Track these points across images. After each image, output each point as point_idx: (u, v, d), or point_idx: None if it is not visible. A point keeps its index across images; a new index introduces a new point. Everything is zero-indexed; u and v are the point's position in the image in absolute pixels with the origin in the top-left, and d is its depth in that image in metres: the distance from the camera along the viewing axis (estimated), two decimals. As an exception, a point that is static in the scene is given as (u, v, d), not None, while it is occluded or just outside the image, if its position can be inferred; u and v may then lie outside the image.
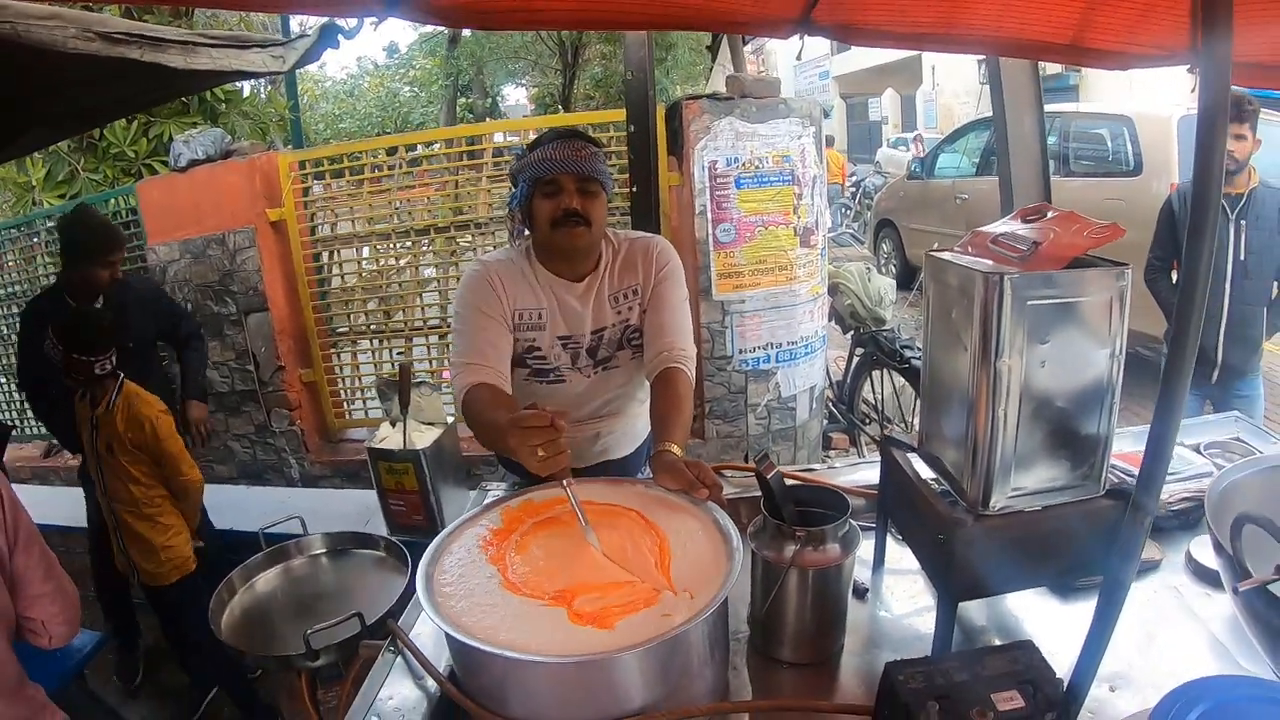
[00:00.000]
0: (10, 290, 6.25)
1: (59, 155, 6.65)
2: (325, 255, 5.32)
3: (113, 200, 5.65)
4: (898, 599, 1.76)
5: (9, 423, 5.99)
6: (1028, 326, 1.27)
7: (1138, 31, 1.81)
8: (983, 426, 1.32)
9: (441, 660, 1.50)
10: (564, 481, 1.59)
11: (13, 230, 6.17)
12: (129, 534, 3.32)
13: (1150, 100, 7.66)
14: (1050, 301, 1.28)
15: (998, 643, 1.59)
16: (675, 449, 1.81)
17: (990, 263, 1.36)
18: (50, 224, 5.94)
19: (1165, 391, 1.01)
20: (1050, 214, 1.45)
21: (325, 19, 2.86)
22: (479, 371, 2.02)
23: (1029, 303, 1.26)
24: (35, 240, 6.08)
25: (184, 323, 4.18)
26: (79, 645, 3.17)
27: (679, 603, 1.34)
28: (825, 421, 5.52)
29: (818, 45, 31.90)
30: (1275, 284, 3.99)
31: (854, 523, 1.55)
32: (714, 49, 14.12)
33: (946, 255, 1.46)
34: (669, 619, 1.28)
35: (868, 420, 5.64)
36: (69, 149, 6.65)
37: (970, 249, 1.47)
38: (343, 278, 5.46)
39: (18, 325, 4.16)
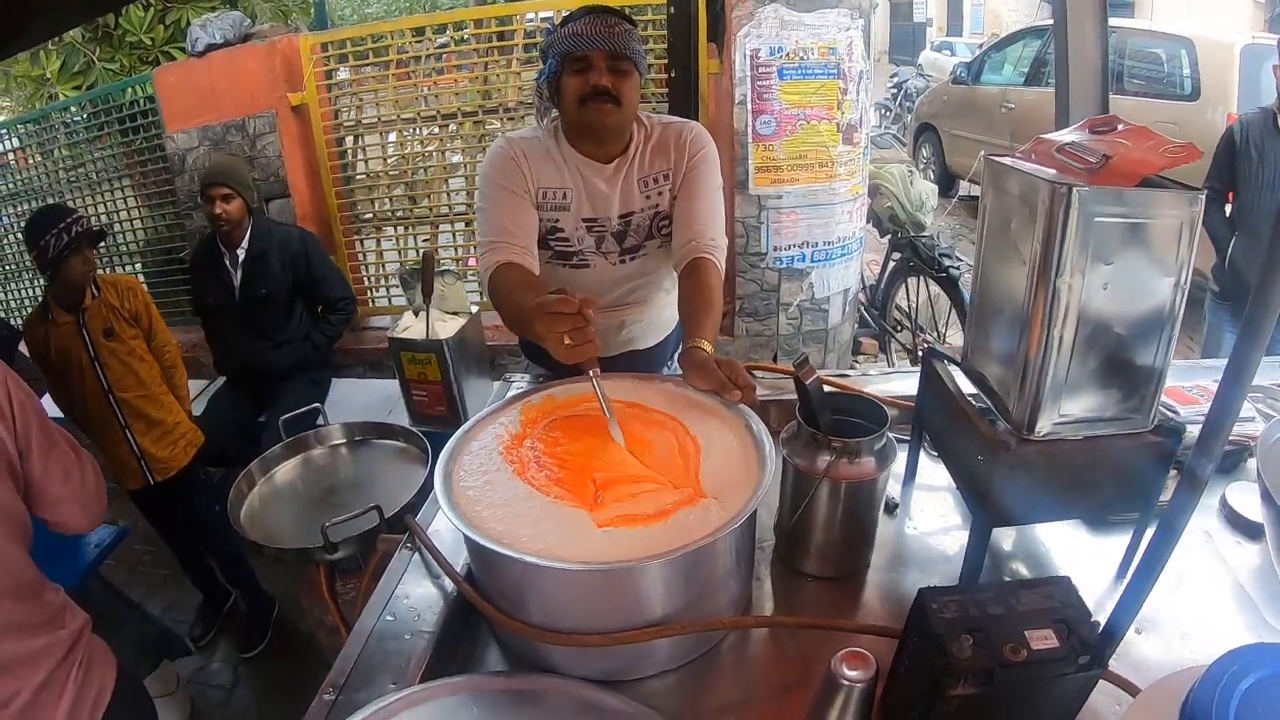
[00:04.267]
0: (30, 185, 6.22)
1: (74, 46, 6.52)
2: (349, 141, 5.23)
3: (130, 89, 5.57)
4: (927, 516, 1.72)
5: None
6: (1093, 245, 1.18)
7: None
8: (1035, 347, 1.25)
9: (459, 559, 1.47)
10: (590, 371, 1.54)
11: (30, 124, 6.13)
12: (143, 423, 3.32)
13: (1212, 23, 7.35)
14: (1119, 220, 1.19)
15: (1025, 572, 1.56)
16: (706, 346, 1.76)
17: (1055, 172, 1.28)
18: (71, 115, 5.88)
19: (1239, 354, 0.92)
20: (1121, 127, 1.35)
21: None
22: (506, 250, 1.96)
23: (1096, 219, 1.17)
24: (54, 134, 6.03)
25: (331, 283, 4.16)
26: (96, 539, 3.23)
27: (707, 509, 1.30)
28: (856, 326, 5.45)
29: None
30: None
31: (891, 436, 1.49)
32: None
33: (1008, 161, 1.37)
34: (695, 527, 1.24)
35: (899, 327, 5.58)
36: (83, 39, 6.53)
37: (1033, 156, 1.38)
38: (367, 164, 5.38)
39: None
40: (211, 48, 4.87)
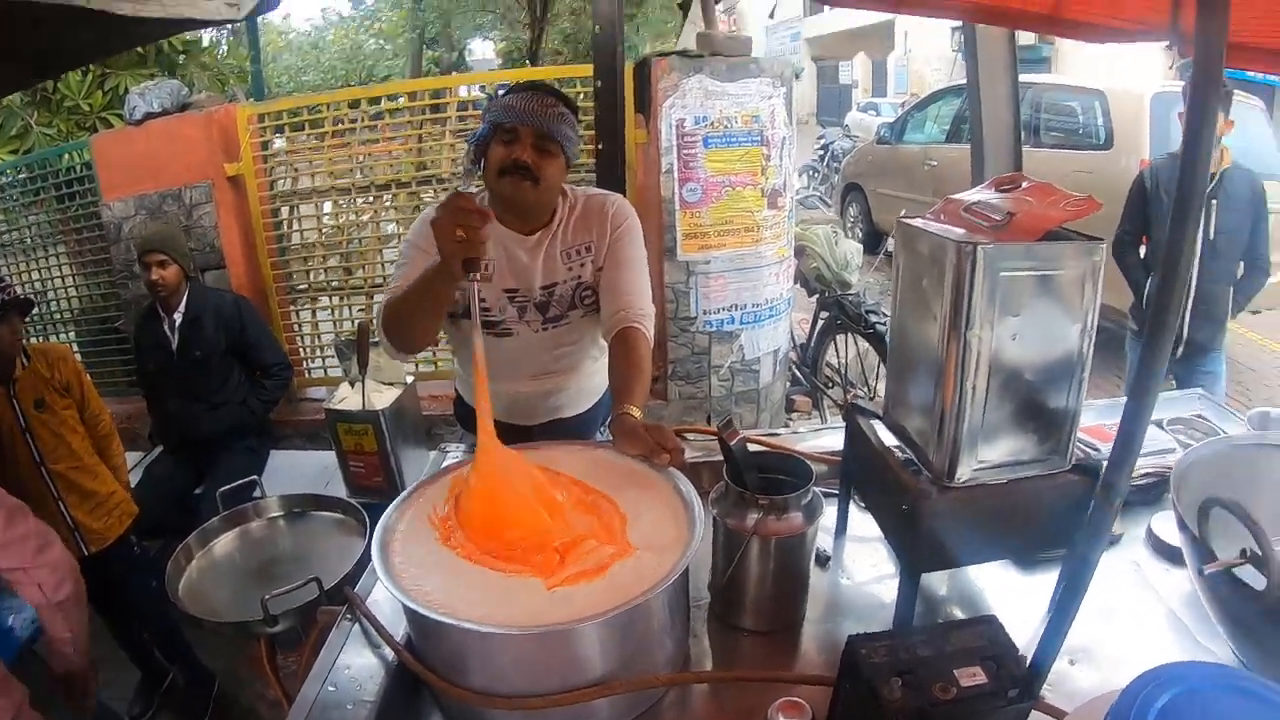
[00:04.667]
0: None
1: (11, 109, 6.45)
2: (285, 211, 5.22)
3: (66, 155, 5.52)
4: (860, 567, 1.76)
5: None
6: (1000, 298, 1.24)
7: (1119, 5, 1.79)
8: (950, 397, 1.30)
9: (399, 628, 1.47)
10: (470, 276, 1.57)
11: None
12: (76, 494, 3.23)
13: (1124, 75, 7.70)
14: (1024, 273, 1.25)
15: (959, 614, 1.60)
16: (635, 412, 1.78)
17: (963, 231, 1.34)
18: (6, 179, 5.81)
19: (1140, 376, 0.99)
20: (1025, 184, 1.43)
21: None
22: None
23: (1002, 274, 1.23)
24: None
25: (265, 349, 4.14)
26: (32, 614, 3.10)
27: (640, 560, 1.32)
28: (788, 384, 5.52)
29: (790, 6, 31.80)
30: (1241, 263, 4.04)
31: (817, 491, 1.53)
32: (685, 6, 13.99)
33: (918, 222, 1.43)
34: (630, 584, 1.26)
35: (831, 384, 5.65)
36: (21, 102, 6.45)
37: (942, 216, 1.44)
38: (302, 234, 5.36)
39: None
40: (149, 116, 4.85)
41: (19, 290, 3.14)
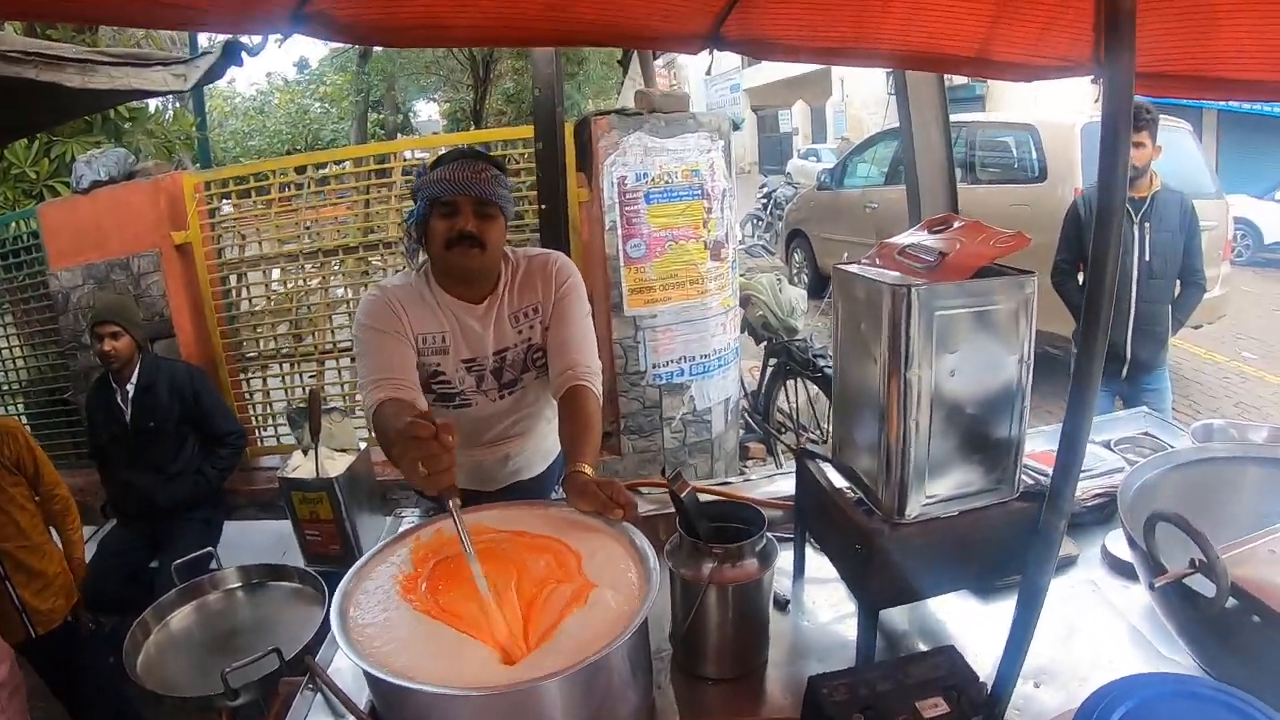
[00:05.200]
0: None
1: (-45, 179, 6.38)
2: (233, 278, 5.18)
3: (13, 224, 5.45)
4: (820, 608, 1.77)
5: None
6: (936, 336, 1.28)
7: (1041, 44, 1.85)
8: (895, 436, 1.33)
9: (363, 695, 1.46)
10: (450, 502, 1.50)
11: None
12: (23, 574, 3.13)
13: (1054, 109, 7.94)
14: (957, 311, 1.29)
15: (922, 647, 1.61)
16: (587, 469, 1.79)
17: (898, 274, 1.38)
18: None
19: (1075, 395, 1.03)
20: (956, 224, 1.47)
21: (228, 35, 2.80)
22: (386, 386, 1.95)
23: (936, 313, 1.27)
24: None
25: (218, 418, 4.09)
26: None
27: (597, 625, 1.32)
28: (742, 432, 5.55)
29: (728, 59, 32.31)
30: (1178, 283, 4.15)
31: (771, 536, 1.55)
32: (625, 64, 14.17)
33: (854, 268, 1.47)
34: (588, 643, 1.26)
35: (783, 429, 5.69)
36: (-35, 172, 6.39)
37: (878, 260, 1.49)
38: (250, 301, 5.32)
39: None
40: (96, 184, 4.81)
41: None
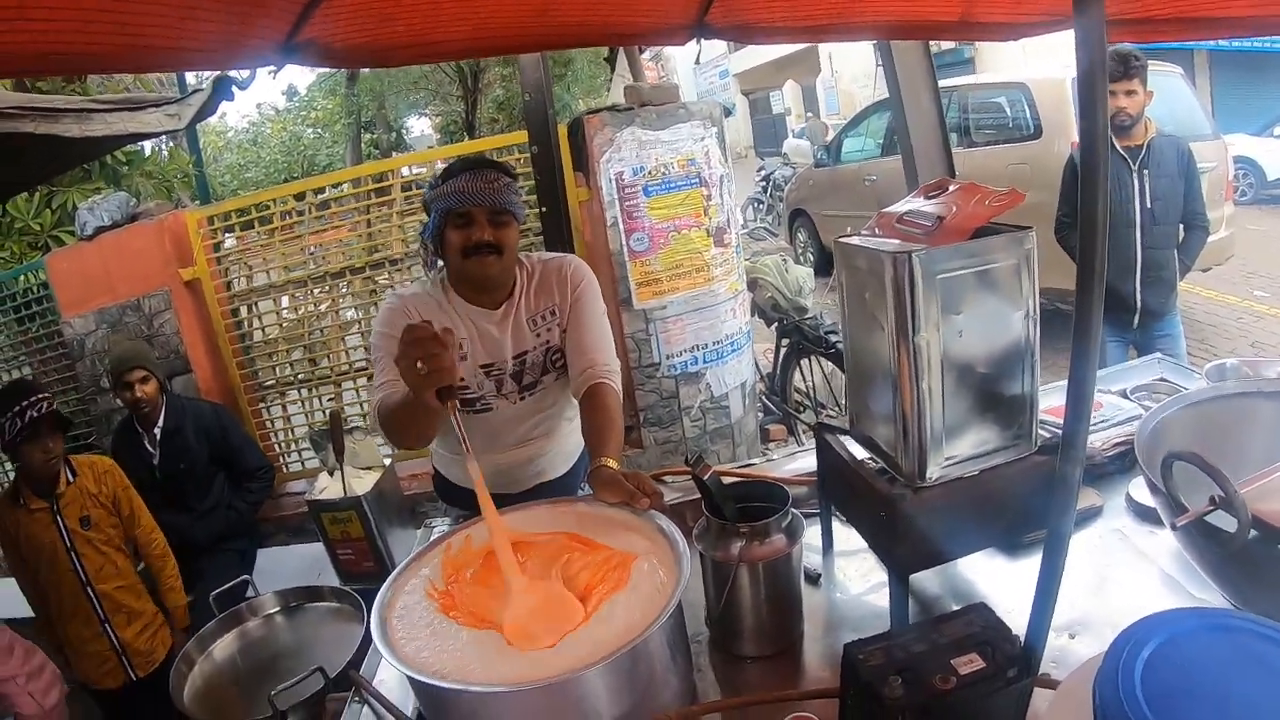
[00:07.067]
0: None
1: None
2: (244, 309, 5.21)
3: (22, 276, 5.50)
4: (851, 580, 1.79)
5: None
6: (940, 299, 1.30)
7: (1023, 1, 1.86)
8: (909, 401, 1.34)
9: (409, 704, 1.48)
10: (448, 403, 1.56)
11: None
12: (122, 615, 3.15)
13: (1043, 65, 7.90)
14: (959, 272, 1.31)
15: (954, 608, 1.63)
16: (611, 463, 1.81)
17: (897, 242, 1.40)
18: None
19: (1078, 340, 1.04)
20: (951, 188, 1.49)
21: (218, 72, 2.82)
22: (396, 387, 1.94)
23: (938, 276, 1.29)
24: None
25: (247, 454, 4.19)
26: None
27: (634, 613, 1.34)
28: (761, 415, 5.54)
29: (715, 45, 32.19)
30: (1181, 227, 4.13)
31: (796, 512, 1.57)
32: (612, 60, 14.14)
33: (855, 240, 1.49)
34: (626, 631, 1.28)
35: (802, 408, 5.69)
36: (-31, 230, 6.46)
37: (878, 230, 1.50)
38: (263, 330, 5.36)
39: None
40: (100, 230, 4.85)
41: (54, 404, 3.11)
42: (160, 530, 3.42)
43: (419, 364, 1.53)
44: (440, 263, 2.20)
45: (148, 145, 8.12)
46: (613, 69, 14.13)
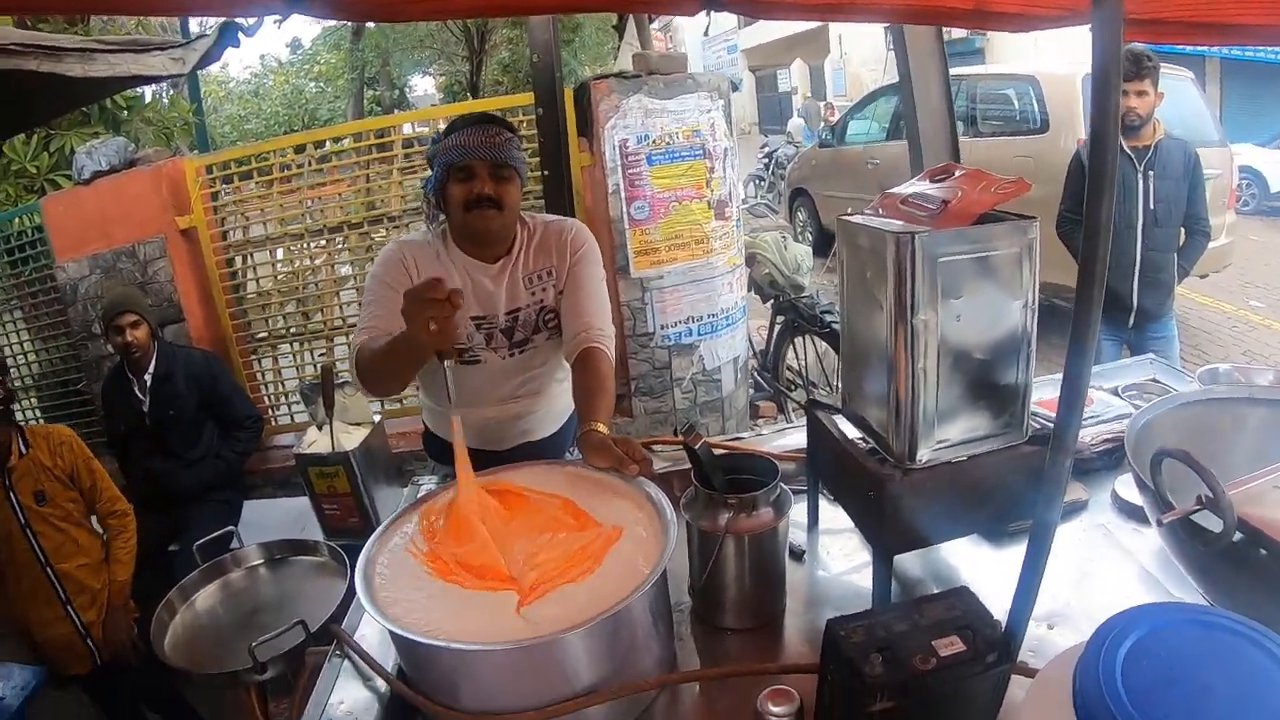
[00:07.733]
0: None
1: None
2: (239, 260, 5.19)
3: (17, 219, 5.46)
4: (834, 558, 1.80)
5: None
6: (941, 282, 1.30)
7: (1039, -6, 1.85)
8: (903, 383, 1.35)
9: (389, 659, 1.49)
10: (446, 362, 1.65)
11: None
12: (85, 596, 3.01)
13: (1055, 60, 7.87)
14: (961, 257, 1.31)
15: (936, 591, 1.64)
16: (601, 427, 1.82)
17: (901, 223, 1.39)
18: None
19: (1076, 335, 1.04)
20: (957, 173, 1.48)
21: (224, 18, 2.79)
22: (376, 334, 1.98)
23: (940, 259, 1.29)
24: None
25: (236, 403, 4.19)
26: (22, 681, 2.90)
27: (618, 578, 1.35)
28: (752, 391, 5.56)
29: (725, 19, 32.05)
30: (1182, 231, 4.14)
31: (785, 486, 1.57)
32: (620, 28, 14.06)
33: (858, 218, 1.49)
34: (609, 596, 1.29)
35: (793, 386, 5.70)
36: (-35, 170, 6.40)
37: (881, 210, 1.50)
38: (258, 282, 5.34)
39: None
40: (98, 175, 4.82)
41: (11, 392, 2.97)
42: (124, 500, 3.24)
43: (430, 324, 1.55)
44: (442, 217, 2.20)
45: (148, 92, 8.03)
46: (621, 37, 14.05)
